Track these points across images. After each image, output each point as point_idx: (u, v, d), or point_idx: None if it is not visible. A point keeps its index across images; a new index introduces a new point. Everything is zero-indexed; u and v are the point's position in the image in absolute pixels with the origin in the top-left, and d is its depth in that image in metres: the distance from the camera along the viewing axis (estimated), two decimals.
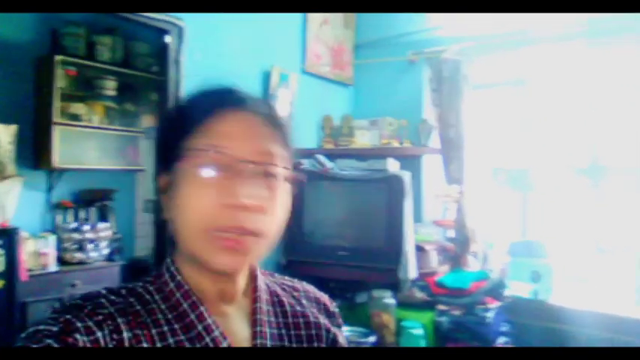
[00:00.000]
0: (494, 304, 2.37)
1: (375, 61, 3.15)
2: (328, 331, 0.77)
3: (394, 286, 2.43)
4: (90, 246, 3.19)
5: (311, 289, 0.83)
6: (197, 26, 2.30)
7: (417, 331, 2.32)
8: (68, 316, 0.58)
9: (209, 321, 0.65)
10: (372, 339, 2.32)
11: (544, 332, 2.50)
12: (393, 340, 2.38)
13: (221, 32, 2.46)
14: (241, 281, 0.72)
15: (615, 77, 2.58)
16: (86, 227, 3.23)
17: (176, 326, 0.64)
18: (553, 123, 2.81)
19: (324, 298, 0.83)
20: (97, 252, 3.23)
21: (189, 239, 0.64)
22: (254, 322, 0.70)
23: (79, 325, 0.58)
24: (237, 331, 0.69)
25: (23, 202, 2.97)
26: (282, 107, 2.76)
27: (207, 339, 0.64)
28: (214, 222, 0.62)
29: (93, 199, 3.45)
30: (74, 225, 3.22)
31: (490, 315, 2.31)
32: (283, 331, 0.72)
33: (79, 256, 3.12)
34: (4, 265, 2.41)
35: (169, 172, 0.66)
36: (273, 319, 0.72)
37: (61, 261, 3.05)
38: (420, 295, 2.49)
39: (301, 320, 0.75)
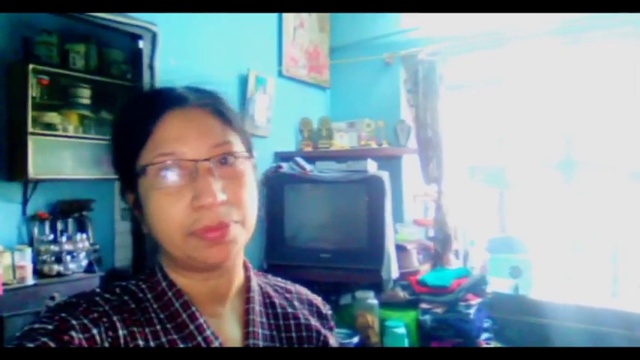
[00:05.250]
0: (476, 301, 2.39)
1: (351, 61, 3.17)
2: (319, 333, 0.77)
3: (377, 286, 2.44)
4: (68, 258, 3.13)
5: (304, 291, 0.84)
6: (171, 31, 2.29)
7: (400, 330, 2.34)
8: (63, 314, 0.59)
9: (200, 321, 0.66)
10: (355, 340, 2.32)
11: (526, 327, 2.54)
12: (377, 340, 2.38)
13: (195, 37, 2.45)
14: (235, 280, 0.72)
15: (588, 73, 2.64)
16: (64, 239, 3.17)
17: (168, 326, 0.65)
18: (528, 120, 2.86)
19: (317, 300, 0.83)
20: (76, 263, 3.17)
21: (175, 246, 0.64)
22: (246, 323, 0.70)
23: (74, 322, 0.58)
24: (229, 332, 0.69)
25: None
26: (260, 111, 2.75)
27: (199, 339, 0.65)
28: (193, 225, 0.63)
29: (70, 210, 3.39)
30: (51, 237, 3.16)
31: (472, 311, 2.33)
32: (274, 333, 0.73)
33: (57, 268, 3.06)
34: None
35: (134, 189, 0.67)
36: (265, 320, 0.73)
37: (39, 274, 2.99)
38: (402, 294, 2.51)
39: (292, 322, 0.75)
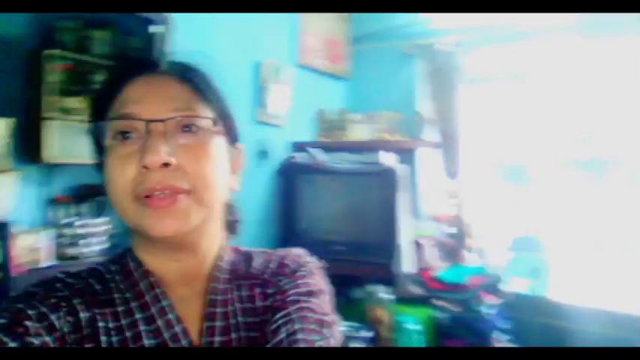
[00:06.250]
0: (491, 300, 2.33)
1: (370, 47, 3.10)
2: (267, 309, 0.69)
3: (391, 281, 2.40)
4: (84, 241, 3.16)
5: (282, 252, 0.77)
6: (185, 17, 2.27)
7: (412, 326, 2.29)
8: (19, 305, 0.57)
9: (164, 303, 0.64)
10: (365, 333, 2.28)
11: (542, 328, 2.46)
12: (388, 336, 2.34)
13: (210, 24, 2.42)
14: (207, 262, 0.69)
15: (613, 69, 2.53)
16: (81, 222, 3.20)
17: (133, 305, 0.63)
18: (552, 116, 2.76)
19: (290, 257, 0.76)
20: (92, 247, 3.20)
21: (123, 210, 0.62)
22: (207, 303, 0.67)
23: (29, 312, 0.56)
24: (195, 314, 0.66)
25: (18, 197, 2.95)
26: (275, 100, 2.72)
27: (161, 321, 0.63)
28: (139, 186, 0.60)
29: (89, 194, 3.42)
30: (69, 220, 3.19)
31: (487, 311, 2.28)
32: (232, 314, 0.68)
33: (73, 251, 3.08)
34: (1, 258, 2.39)
35: (101, 152, 0.66)
36: (229, 296, 0.68)
37: (56, 256, 3.03)
38: (416, 290, 2.45)
39: (250, 305, 0.69)
